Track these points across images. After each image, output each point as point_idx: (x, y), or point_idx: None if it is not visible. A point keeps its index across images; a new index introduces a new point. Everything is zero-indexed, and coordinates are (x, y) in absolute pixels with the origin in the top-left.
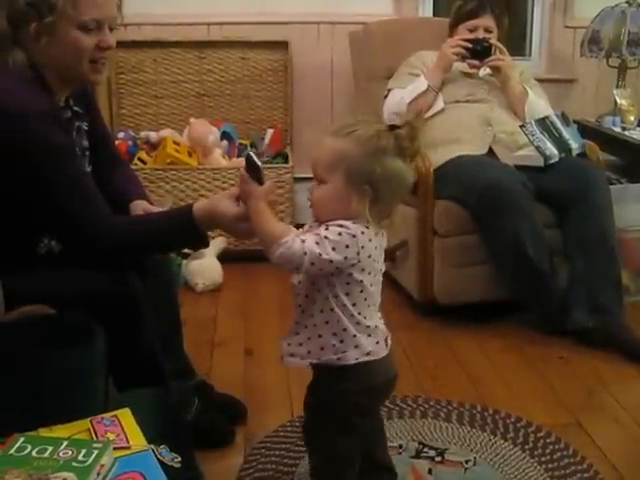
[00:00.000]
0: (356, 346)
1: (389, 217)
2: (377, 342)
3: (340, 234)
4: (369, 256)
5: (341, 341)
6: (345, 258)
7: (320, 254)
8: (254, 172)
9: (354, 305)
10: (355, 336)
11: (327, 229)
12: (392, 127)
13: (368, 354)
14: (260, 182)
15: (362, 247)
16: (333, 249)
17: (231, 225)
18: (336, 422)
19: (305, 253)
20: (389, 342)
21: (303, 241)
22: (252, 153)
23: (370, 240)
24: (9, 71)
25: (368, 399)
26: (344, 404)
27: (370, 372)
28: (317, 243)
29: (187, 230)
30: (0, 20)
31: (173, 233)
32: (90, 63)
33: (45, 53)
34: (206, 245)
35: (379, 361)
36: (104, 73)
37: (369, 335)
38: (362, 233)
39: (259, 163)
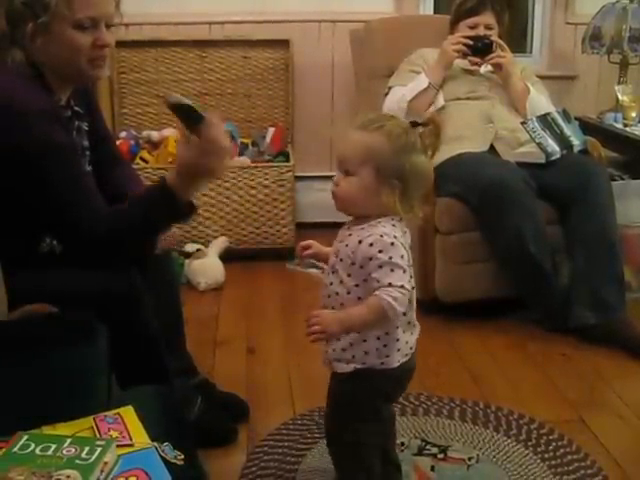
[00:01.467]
0: (398, 349)
1: (412, 210)
2: (416, 338)
3: (391, 258)
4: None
5: (384, 345)
6: (402, 257)
7: (402, 285)
8: (187, 116)
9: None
10: (398, 340)
11: (381, 267)
12: (414, 124)
13: (407, 355)
14: (197, 123)
15: (405, 244)
16: (404, 271)
17: (197, 167)
18: (361, 409)
19: (395, 299)
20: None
21: (387, 296)
22: (172, 97)
23: (403, 235)
24: (8, 70)
25: (393, 387)
26: (372, 393)
27: (400, 367)
28: (391, 285)
29: (166, 198)
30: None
31: (156, 206)
32: (88, 61)
33: (43, 52)
34: (192, 211)
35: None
36: (104, 69)
37: (412, 333)
38: (395, 237)
39: (187, 101)
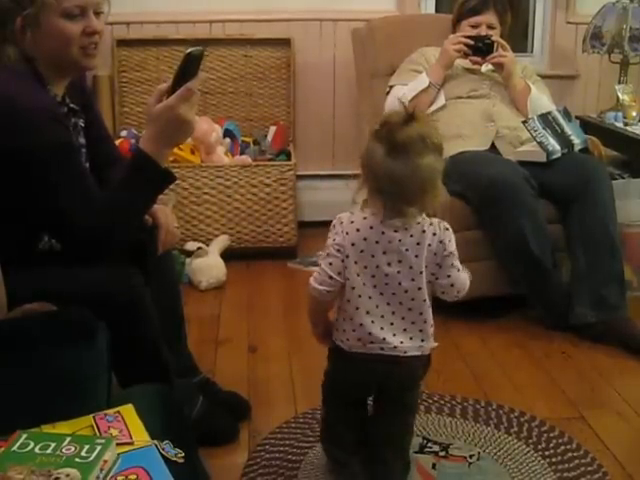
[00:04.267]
0: (337, 329)
1: (401, 216)
2: (359, 339)
3: (328, 239)
4: (352, 244)
5: (336, 319)
6: (334, 240)
7: (320, 264)
8: (189, 69)
9: (346, 293)
10: (337, 320)
11: None
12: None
13: (342, 342)
14: (191, 78)
15: (346, 233)
16: (327, 254)
17: (170, 114)
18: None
19: (314, 278)
20: (384, 350)
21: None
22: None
23: (358, 230)
24: (6, 69)
25: (340, 381)
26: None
27: (344, 358)
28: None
29: (143, 162)
30: None
31: (137, 174)
32: (80, 49)
33: (34, 46)
34: (164, 175)
35: (361, 358)
36: (96, 58)
37: (353, 330)
38: (351, 222)
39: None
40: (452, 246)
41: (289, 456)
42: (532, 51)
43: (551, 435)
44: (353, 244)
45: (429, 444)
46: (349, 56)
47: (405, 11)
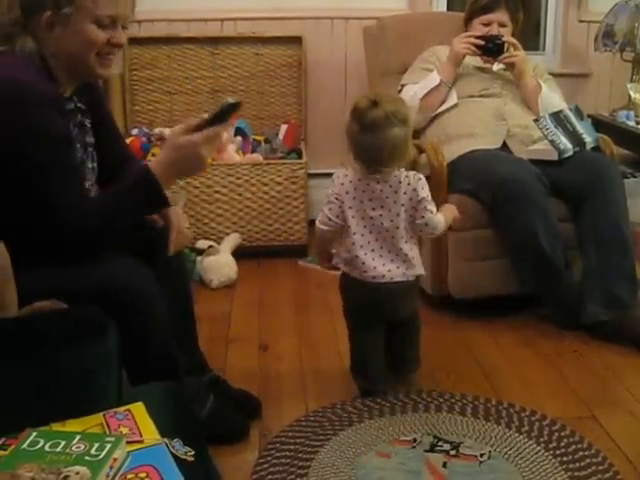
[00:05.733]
0: (339, 260)
1: (379, 173)
2: (355, 268)
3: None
4: (347, 192)
5: (339, 252)
6: (333, 191)
7: (322, 210)
8: (222, 115)
9: (344, 232)
10: (340, 253)
11: None
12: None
13: (345, 266)
14: (221, 122)
15: (342, 184)
16: (328, 201)
17: (191, 150)
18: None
19: (319, 222)
20: (375, 278)
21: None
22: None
23: (350, 182)
24: (14, 57)
25: (353, 302)
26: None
27: (349, 281)
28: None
29: (149, 183)
30: (13, 7)
31: (139, 191)
32: (97, 56)
33: (55, 43)
34: (163, 200)
35: (360, 282)
36: (112, 68)
37: (351, 261)
38: (345, 175)
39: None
40: (424, 192)
41: (300, 454)
42: (544, 49)
43: (562, 434)
44: (347, 192)
45: (440, 443)
46: (360, 54)
47: (417, 9)
